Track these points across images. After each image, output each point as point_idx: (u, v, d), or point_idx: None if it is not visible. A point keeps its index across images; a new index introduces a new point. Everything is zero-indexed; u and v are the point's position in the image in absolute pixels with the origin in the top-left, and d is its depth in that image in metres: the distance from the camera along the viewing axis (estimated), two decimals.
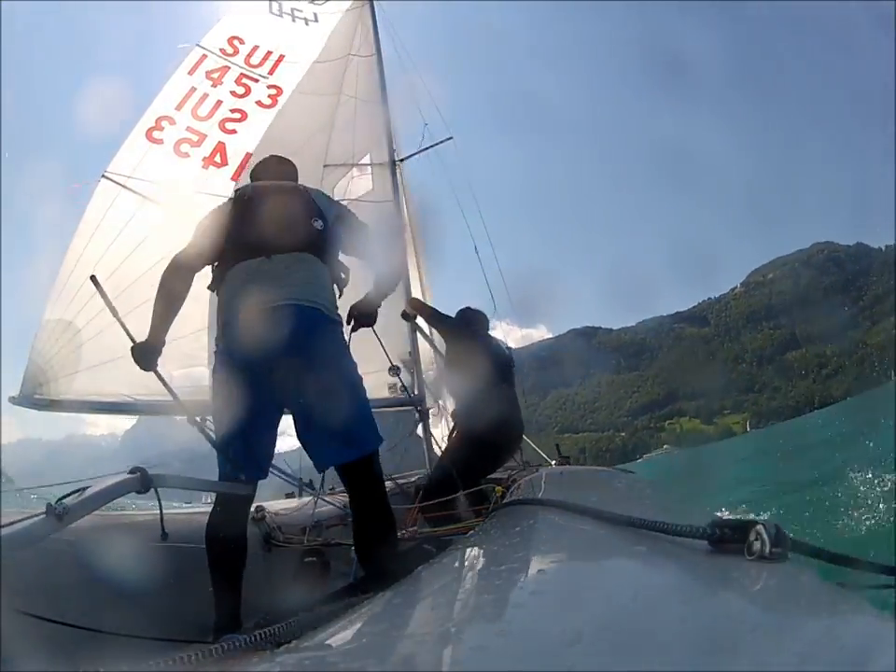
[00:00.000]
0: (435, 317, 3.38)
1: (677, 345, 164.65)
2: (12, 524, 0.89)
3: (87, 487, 1.06)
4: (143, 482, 1.15)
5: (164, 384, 1.72)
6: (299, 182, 1.92)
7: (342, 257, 1.78)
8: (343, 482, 1.66)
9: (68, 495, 1.02)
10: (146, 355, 1.62)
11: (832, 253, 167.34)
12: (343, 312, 1.73)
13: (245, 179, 3.38)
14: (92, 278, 1.85)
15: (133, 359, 1.63)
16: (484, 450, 2.62)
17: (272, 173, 1.93)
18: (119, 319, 1.71)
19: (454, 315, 3.31)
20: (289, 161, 2.02)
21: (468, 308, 3.41)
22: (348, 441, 1.52)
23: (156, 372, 1.66)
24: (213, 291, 1.69)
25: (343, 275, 1.76)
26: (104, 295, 1.79)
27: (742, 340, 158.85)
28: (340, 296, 1.74)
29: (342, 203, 1.89)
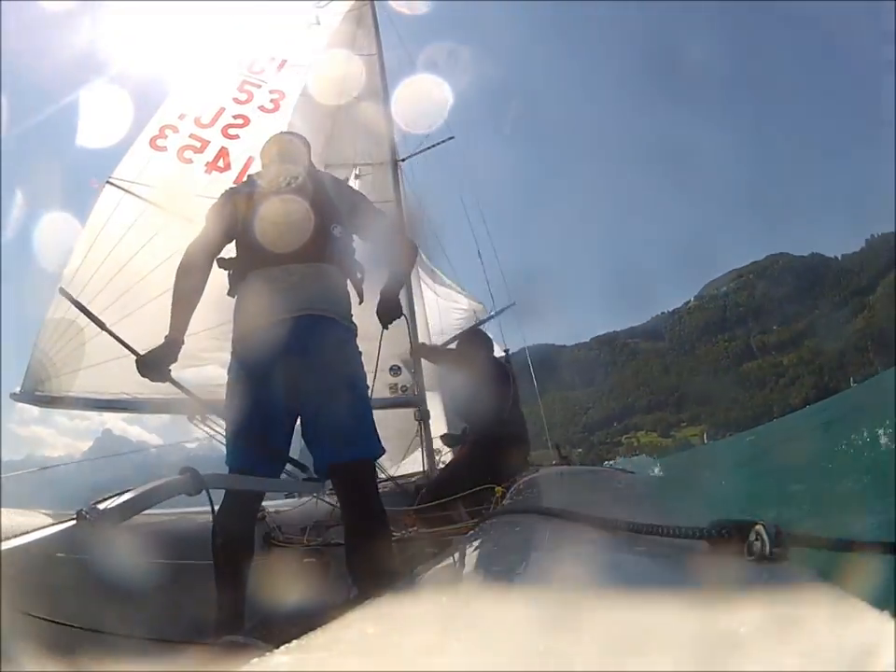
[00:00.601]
0: (442, 354, 3.50)
1: (631, 360, 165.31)
2: (42, 528, 0.85)
3: (126, 490, 0.97)
4: (194, 483, 1.07)
5: (179, 386, 1.75)
6: (309, 157, 1.89)
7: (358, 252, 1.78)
8: (336, 486, 1.65)
9: (104, 499, 0.95)
10: (155, 363, 1.63)
11: (787, 264, 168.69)
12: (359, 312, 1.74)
13: None
14: (61, 290, 1.88)
15: (139, 372, 1.63)
16: (494, 463, 2.61)
17: (283, 156, 1.85)
18: (107, 329, 1.75)
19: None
20: (299, 137, 1.95)
21: (476, 328, 3.55)
22: (349, 442, 1.53)
23: (171, 379, 1.69)
24: (232, 297, 1.71)
25: (359, 275, 1.77)
26: (80, 306, 1.82)
27: (697, 353, 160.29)
28: (361, 300, 1.76)
29: (352, 189, 1.86)
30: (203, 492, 1.18)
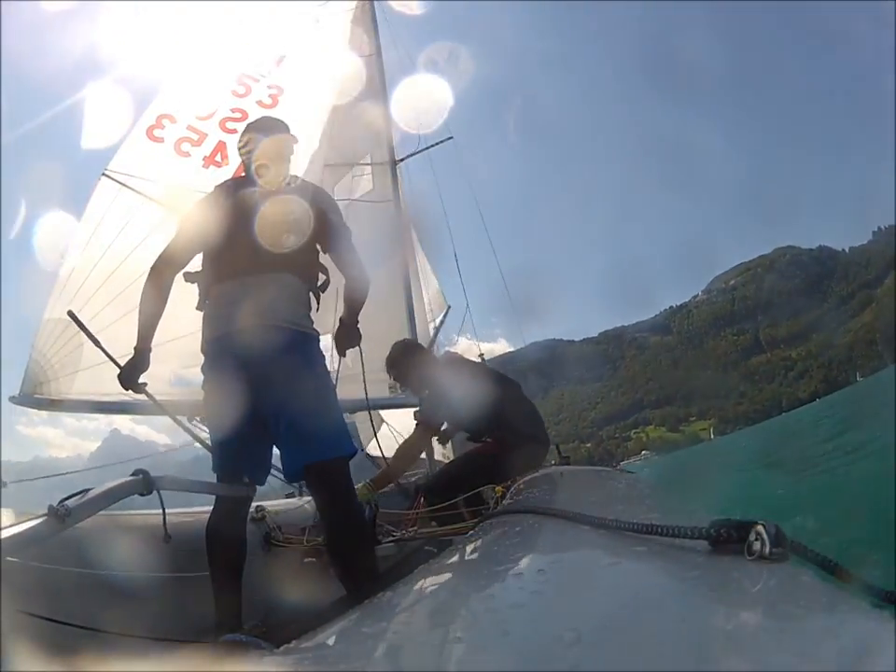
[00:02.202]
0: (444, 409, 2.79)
1: (640, 355, 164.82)
2: (13, 525, 0.88)
3: (90, 489, 1.06)
4: (145, 484, 1.18)
5: (151, 398, 1.88)
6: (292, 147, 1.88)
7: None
8: (311, 488, 1.69)
9: (71, 496, 1.02)
10: (129, 375, 1.72)
11: (795, 257, 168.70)
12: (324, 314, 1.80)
13: None
14: (70, 314, 1.95)
15: (120, 384, 1.73)
16: (504, 464, 2.52)
17: (263, 150, 1.83)
18: (101, 348, 1.93)
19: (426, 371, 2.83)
20: (278, 126, 1.91)
21: (406, 345, 3.01)
22: (318, 442, 1.55)
23: (145, 391, 1.79)
24: (199, 310, 1.75)
25: (324, 278, 1.80)
26: (84, 329, 1.91)
27: (706, 347, 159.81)
28: (318, 304, 1.78)
29: (328, 200, 1.84)
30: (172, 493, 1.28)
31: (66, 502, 0.98)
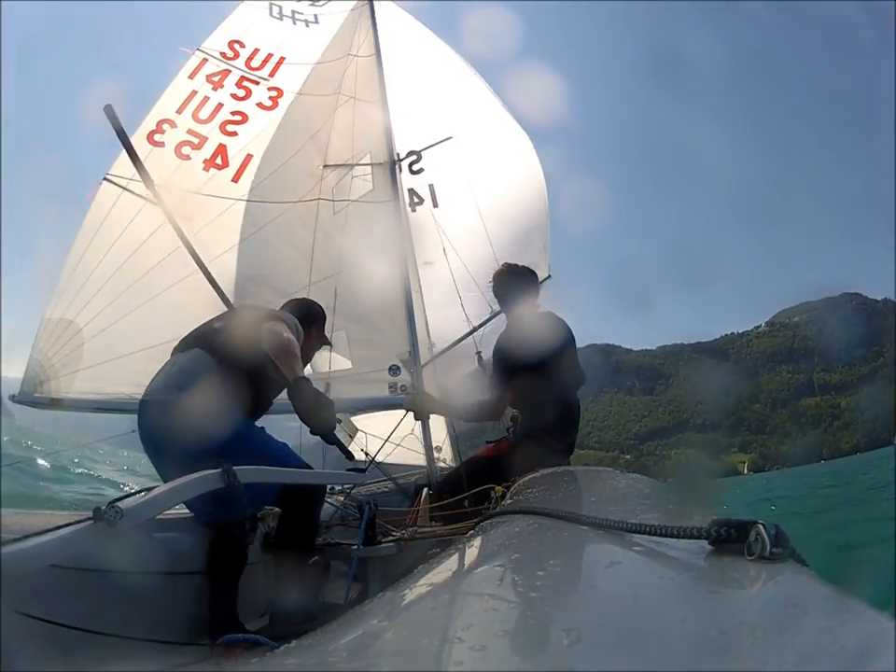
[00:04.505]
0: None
1: (693, 376, 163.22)
2: (58, 528, 0.81)
3: (152, 488, 0.94)
4: (226, 478, 1.04)
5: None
6: (304, 317, 2.16)
7: None
8: None
9: (127, 496, 0.92)
10: None
11: (860, 305, 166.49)
12: None
13: (246, 180, 3.40)
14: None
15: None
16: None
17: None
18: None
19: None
20: (296, 303, 2.33)
21: (514, 273, 2.65)
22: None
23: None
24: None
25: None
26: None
27: (759, 379, 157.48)
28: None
29: (281, 315, 1.98)
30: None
31: (119, 503, 0.84)
